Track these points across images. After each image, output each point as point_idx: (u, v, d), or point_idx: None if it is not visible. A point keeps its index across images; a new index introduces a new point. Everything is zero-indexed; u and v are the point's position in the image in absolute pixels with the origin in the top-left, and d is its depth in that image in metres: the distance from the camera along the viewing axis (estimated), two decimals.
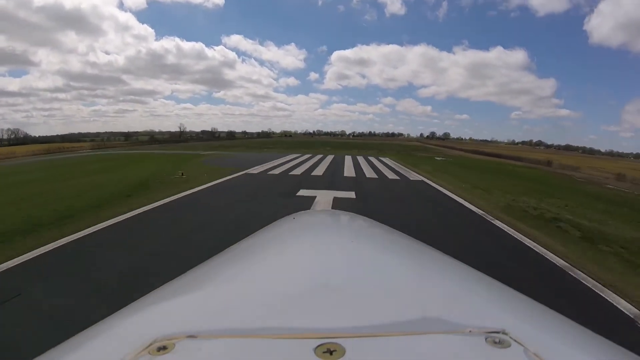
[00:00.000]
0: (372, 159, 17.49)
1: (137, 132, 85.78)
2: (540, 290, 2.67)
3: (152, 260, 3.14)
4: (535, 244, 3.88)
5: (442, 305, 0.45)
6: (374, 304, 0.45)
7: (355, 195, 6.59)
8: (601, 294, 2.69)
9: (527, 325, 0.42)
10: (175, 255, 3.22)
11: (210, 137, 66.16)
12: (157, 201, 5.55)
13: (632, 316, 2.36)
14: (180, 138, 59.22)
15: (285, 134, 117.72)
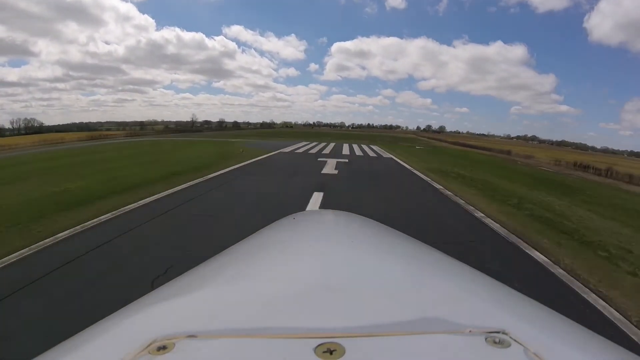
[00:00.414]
0: (363, 146, 22.79)
1: (140, 121, 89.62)
2: (428, 194, 7.92)
3: (277, 169, 8.48)
4: (432, 182, 9.01)
5: (442, 305, 0.45)
6: (374, 304, 0.45)
7: (348, 160, 12.10)
8: (451, 196, 7.96)
9: (527, 325, 0.42)
10: (280, 170, 8.58)
11: (218, 127, 70.92)
12: (246, 161, 10.74)
13: (461, 203, 7.64)
14: (192, 128, 64.10)
15: (286, 125, 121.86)
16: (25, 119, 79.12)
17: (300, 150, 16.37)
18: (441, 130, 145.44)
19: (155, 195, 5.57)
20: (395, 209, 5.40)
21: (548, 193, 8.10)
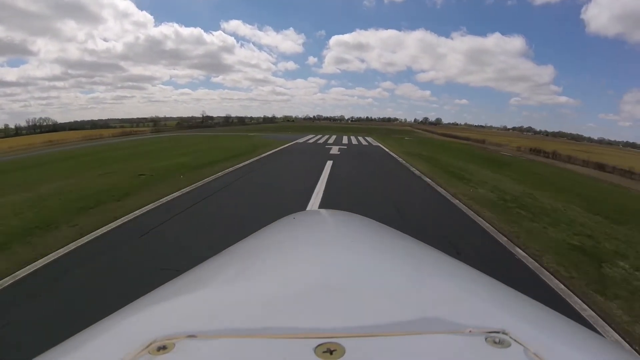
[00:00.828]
0: (359, 137, 27.37)
1: (152, 118, 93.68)
2: (391, 163, 12.55)
3: (301, 152, 13.18)
4: (399, 158, 13.63)
5: (442, 305, 0.45)
6: (374, 304, 0.45)
7: (346, 147, 16.89)
8: (404, 163, 12.60)
9: (527, 325, 0.42)
10: (303, 152, 13.31)
11: (225, 123, 75.31)
12: (276, 148, 15.30)
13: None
14: (203, 123, 68.54)
15: (287, 119, 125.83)
16: (40, 118, 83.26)
17: (311, 141, 21.09)
18: (438, 122, 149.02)
19: (238, 165, 10.13)
20: (369, 168, 10.15)
21: (478, 165, 12.58)
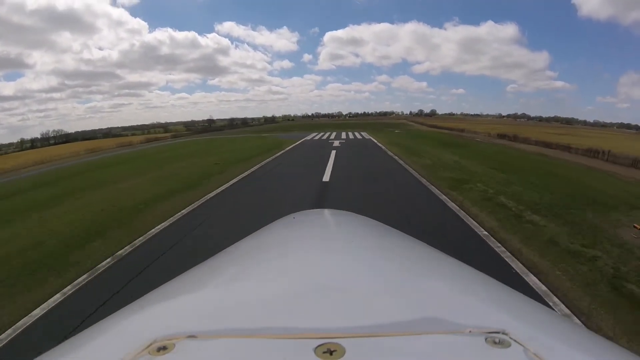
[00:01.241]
0: (355, 133, 32.72)
1: (162, 124, 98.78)
2: (375, 149, 17.96)
3: (312, 146, 18.65)
4: (382, 146, 18.98)
5: (442, 305, 0.45)
6: (374, 304, 0.45)
7: (345, 140, 22.51)
8: (384, 149, 18.01)
9: (527, 325, 0.42)
10: (314, 146, 18.75)
11: (230, 125, 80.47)
12: (293, 144, 20.67)
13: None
14: (210, 127, 73.88)
15: (287, 119, 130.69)
16: (54, 130, 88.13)
17: (317, 138, 26.52)
18: (433, 114, 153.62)
19: (276, 154, 15.43)
20: (360, 152, 15.62)
21: (438, 148, 17.79)
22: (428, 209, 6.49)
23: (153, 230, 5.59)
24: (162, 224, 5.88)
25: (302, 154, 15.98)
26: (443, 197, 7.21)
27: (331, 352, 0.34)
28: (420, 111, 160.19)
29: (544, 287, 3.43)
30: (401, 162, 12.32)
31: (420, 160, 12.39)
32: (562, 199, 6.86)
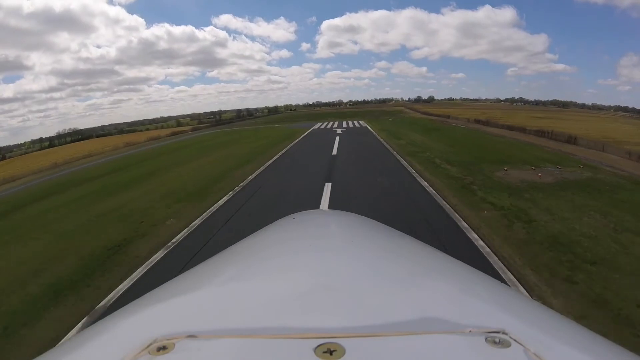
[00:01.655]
0: (354, 121, 38.16)
1: (147, 119, 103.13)
2: (367, 134, 23.55)
3: (320, 133, 24.39)
4: (373, 132, 24.46)
5: (442, 305, 0.45)
6: (374, 304, 0.44)
7: (345, 128, 28.44)
8: (374, 133, 23.59)
9: (527, 325, 0.43)
10: (322, 133, 24.45)
11: (237, 117, 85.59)
12: (305, 133, 26.19)
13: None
14: (221, 119, 79.17)
15: (290, 108, 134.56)
16: (70, 128, 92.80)
17: (322, 127, 32.14)
18: (431, 100, 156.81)
19: (296, 140, 20.98)
20: (358, 137, 21.34)
21: (418, 132, 23.13)
22: (392, 164, 12.15)
23: (250, 176, 11.21)
24: (250, 177, 11.45)
25: (315, 139, 21.52)
26: (401, 160, 12.82)
27: (331, 352, 0.34)
28: (419, 97, 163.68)
29: (431, 190, 8.97)
30: (384, 142, 17.85)
31: (398, 141, 17.90)
32: (476, 159, 12.31)
